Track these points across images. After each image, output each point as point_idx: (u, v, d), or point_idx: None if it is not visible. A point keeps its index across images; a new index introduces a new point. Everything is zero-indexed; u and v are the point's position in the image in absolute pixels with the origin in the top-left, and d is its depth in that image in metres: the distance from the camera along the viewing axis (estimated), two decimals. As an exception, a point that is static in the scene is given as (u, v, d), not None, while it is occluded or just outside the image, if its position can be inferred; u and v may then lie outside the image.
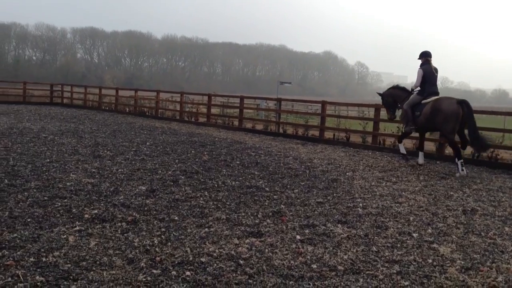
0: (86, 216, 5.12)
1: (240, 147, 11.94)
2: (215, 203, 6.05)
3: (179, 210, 5.61)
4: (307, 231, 5.05)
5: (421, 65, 10.21)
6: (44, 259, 3.82)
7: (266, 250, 4.37)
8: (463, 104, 9.44)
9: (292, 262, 4.12)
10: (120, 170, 7.90)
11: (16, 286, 3.33)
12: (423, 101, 10.01)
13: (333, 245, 4.63)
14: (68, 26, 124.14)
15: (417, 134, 10.92)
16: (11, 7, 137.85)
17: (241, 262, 4.05)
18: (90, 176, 7.29)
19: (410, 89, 10.75)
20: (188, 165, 8.77)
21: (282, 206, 6.07)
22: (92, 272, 3.65)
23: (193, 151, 10.64)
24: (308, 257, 4.27)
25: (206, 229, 4.91)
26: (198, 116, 20.72)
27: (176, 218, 5.26)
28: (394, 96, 11.15)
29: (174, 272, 3.75)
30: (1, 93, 28.48)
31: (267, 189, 7.06)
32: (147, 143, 11.63)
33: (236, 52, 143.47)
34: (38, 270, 3.62)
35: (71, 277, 3.54)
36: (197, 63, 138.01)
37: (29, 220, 4.85)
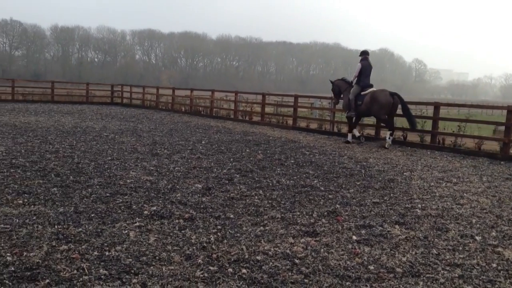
0: (146, 212, 5.28)
1: (294, 146, 11.92)
2: (270, 202, 6.07)
3: (235, 208, 5.68)
4: (363, 231, 4.97)
5: (361, 61, 12.88)
6: (107, 253, 3.98)
7: (322, 250, 4.33)
8: (394, 95, 12.46)
9: (348, 262, 4.07)
10: (177, 168, 8.08)
11: (81, 278, 3.48)
12: (362, 93, 12.66)
13: (391, 247, 4.53)
14: (128, 29, 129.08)
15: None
16: (75, 12, 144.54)
17: (297, 261, 4.04)
18: (148, 173, 7.51)
19: (350, 81, 13.26)
20: (242, 163, 8.85)
21: (338, 205, 6.00)
22: (152, 267, 3.76)
23: (247, 150, 10.73)
24: (365, 258, 4.20)
25: (261, 228, 4.93)
26: (252, 115, 20.85)
27: (232, 216, 5.33)
28: (340, 86, 13.68)
29: (230, 269, 3.79)
30: (66, 94, 29.95)
31: (322, 188, 7.00)
32: (203, 142, 11.84)
33: (289, 51, 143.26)
34: (102, 263, 3.77)
35: (132, 271, 3.66)
36: (251, 63, 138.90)
37: (92, 215, 5.06)
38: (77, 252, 3.95)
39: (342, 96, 13.61)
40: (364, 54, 12.99)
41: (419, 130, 13.30)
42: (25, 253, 3.86)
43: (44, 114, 18.53)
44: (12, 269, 3.55)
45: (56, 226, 4.61)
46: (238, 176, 7.65)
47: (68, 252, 3.95)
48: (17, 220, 4.71)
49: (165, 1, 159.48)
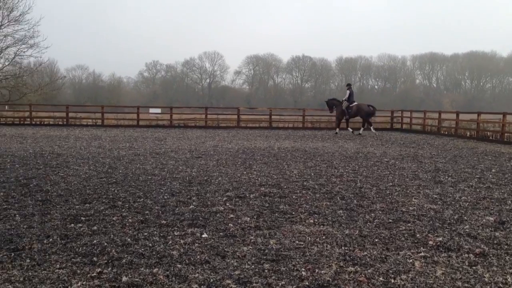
0: (430, 242, 5.06)
1: None
2: None
3: (537, 248, 4.91)
4: None
5: (348, 89, 23.55)
6: (392, 281, 3.95)
7: None
8: (370, 106, 23.54)
9: None
10: (463, 197, 7.53)
11: (367, 302, 3.54)
12: (350, 105, 22.99)
13: None
14: (408, 54, 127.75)
15: None
16: (359, 44, 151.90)
17: None
18: (432, 202, 7.21)
19: (341, 100, 23.75)
20: (545, 196, 7.64)
21: None
22: (439, 302, 3.55)
23: (550, 181, 9.22)
24: None
25: None
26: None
27: (534, 257, 4.62)
28: (334, 103, 23.80)
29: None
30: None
31: None
32: (493, 170, 10.74)
33: None
34: (387, 290, 3.76)
35: (419, 303, 3.54)
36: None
37: (376, 240, 5.13)
38: (363, 276, 4.05)
39: (334, 108, 23.83)
40: (350, 85, 24.08)
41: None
42: (317, 270, 4.16)
43: (329, 140, 19.95)
44: (306, 283, 3.87)
45: (343, 248, 4.83)
46: (539, 211, 6.63)
47: (355, 274, 4.08)
48: (309, 238, 5.15)
49: (448, 22, 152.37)
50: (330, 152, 14.58)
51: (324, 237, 5.20)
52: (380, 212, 6.48)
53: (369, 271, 4.17)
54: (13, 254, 4.42)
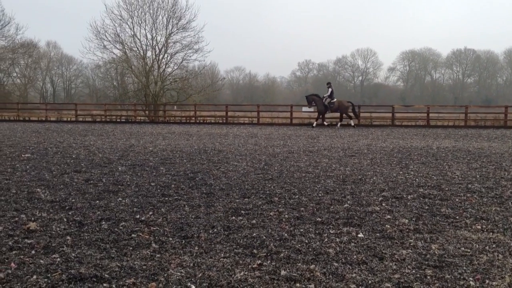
0: None
1: None
2: None
3: None
4: None
5: (329, 87, 26.72)
6: None
7: None
8: (349, 102, 27.42)
9: None
10: None
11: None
12: (332, 101, 26.43)
13: None
14: None
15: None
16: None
17: None
18: None
19: (322, 97, 26.76)
20: None
21: None
22: None
23: None
24: None
25: None
26: None
27: None
28: (314, 98, 26.97)
29: None
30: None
31: None
32: None
33: None
34: None
35: None
36: None
37: (559, 253, 4.50)
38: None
39: (313, 103, 26.86)
40: (329, 83, 27.45)
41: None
42: (487, 281, 3.80)
43: (497, 139, 18.15)
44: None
45: (518, 259, 4.34)
46: None
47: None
48: (476, 246, 4.72)
49: None
50: (498, 152, 13.25)
51: (494, 246, 4.72)
52: None
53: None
54: (183, 241, 4.84)
